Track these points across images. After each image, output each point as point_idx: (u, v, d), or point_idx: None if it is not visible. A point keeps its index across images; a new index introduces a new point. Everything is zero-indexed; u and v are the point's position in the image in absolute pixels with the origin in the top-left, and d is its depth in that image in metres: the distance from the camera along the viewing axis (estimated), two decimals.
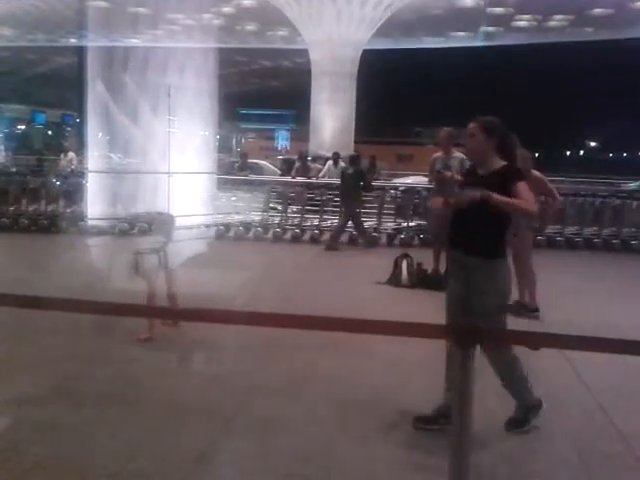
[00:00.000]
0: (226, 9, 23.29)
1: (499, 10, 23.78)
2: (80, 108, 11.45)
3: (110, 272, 6.91)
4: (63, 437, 3.38)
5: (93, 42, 13.96)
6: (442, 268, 7.31)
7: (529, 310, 5.98)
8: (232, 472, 3.18)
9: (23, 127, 38.26)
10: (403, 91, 29.21)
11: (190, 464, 3.15)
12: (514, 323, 4.54)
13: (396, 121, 34.49)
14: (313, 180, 12.15)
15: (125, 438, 3.39)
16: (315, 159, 15.74)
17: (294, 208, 11.11)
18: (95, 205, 10.95)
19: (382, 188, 11.31)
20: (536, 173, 6.27)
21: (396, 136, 32.63)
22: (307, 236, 10.62)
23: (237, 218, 11.06)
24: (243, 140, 40.75)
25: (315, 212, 10.95)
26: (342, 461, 3.24)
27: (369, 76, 23.10)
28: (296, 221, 10.93)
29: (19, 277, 6.29)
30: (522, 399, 3.57)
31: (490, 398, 3.59)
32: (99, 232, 10.43)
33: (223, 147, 24.49)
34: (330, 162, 13.10)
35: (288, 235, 10.60)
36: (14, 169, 11.93)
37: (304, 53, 24.61)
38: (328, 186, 11.07)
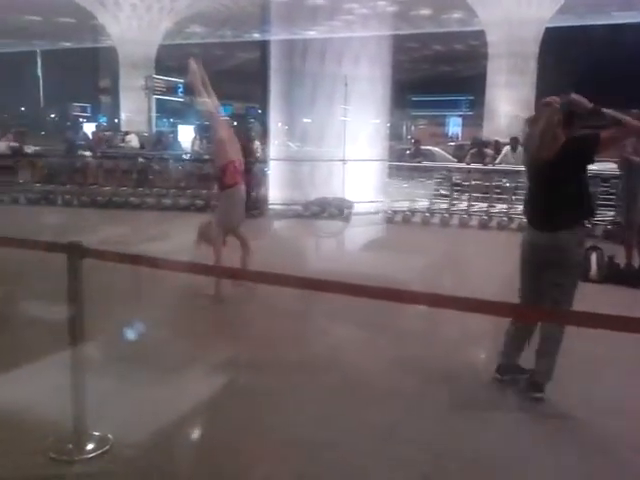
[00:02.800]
0: None
1: None
2: (262, 100, 12.12)
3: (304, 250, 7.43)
4: (257, 403, 3.62)
5: (274, 36, 14.69)
6: (637, 262, 6.76)
7: None
8: (416, 452, 3.20)
9: None
10: (590, 71, 26.97)
11: (376, 441, 3.25)
12: None
13: None
14: (489, 167, 11.75)
15: (314, 408, 3.57)
16: (486, 145, 15.19)
17: (471, 195, 10.95)
18: (276, 190, 11.59)
19: None
20: None
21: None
22: (494, 223, 10.46)
23: (411, 204, 11.08)
24: (413, 127, 40.46)
25: (495, 200, 10.72)
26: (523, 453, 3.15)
27: (553, 56, 21.70)
28: (476, 208, 10.79)
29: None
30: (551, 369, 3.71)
31: None
32: (280, 215, 11.03)
33: (393, 134, 24.53)
34: (507, 148, 12.55)
35: (474, 221, 10.57)
36: (207, 156, 13.00)
37: (479, 35, 23.76)
38: (506, 172, 10.76)
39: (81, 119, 33.16)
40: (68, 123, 30.93)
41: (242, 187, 5.99)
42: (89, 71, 39.16)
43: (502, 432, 3.39)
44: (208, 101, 6.06)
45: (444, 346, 4.62)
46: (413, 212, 10.94)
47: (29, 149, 15.43)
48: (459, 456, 3.12)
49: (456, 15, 26.79)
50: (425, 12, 26.97)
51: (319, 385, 3.88)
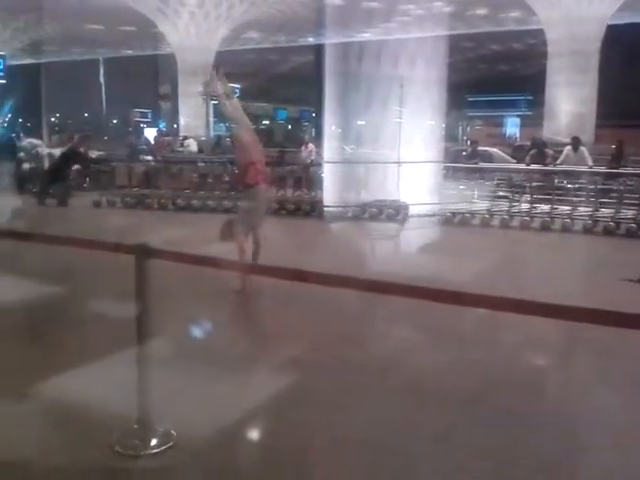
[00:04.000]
0: None
1: None
2: (317, 103, 12.17)
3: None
4: (316, 402, 3.66)
5: (328, 39, 14.75)
6: None
7: None
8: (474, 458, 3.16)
9: (267, 123, 42.62)
10: None
11: (428, 444, 3.22)
12: None
13: None
14: (551, 167, 11.46)
15: (370, 408, 3.57)
16: (546, 145, 14.81)
17: (529, 197, 10.70)
18: (330, 193, 11.61)
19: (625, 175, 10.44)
20: None
21: None
22: (557, 225, 10.13)
23: (467, 206, 10.90)
24: (469, 128, 39.84)
25: (558, 201, 10.43)
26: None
27: (615, 53, 20.96)
28: (538, 209, 10.50)
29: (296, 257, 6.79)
30: None
31: None
32: (335, 218, 11.02)
33: (449, 136, 24.22)
34: (569, 148, 12.21)
35: (537, 223, 10.24)
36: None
37: (537, 34, 23.21)
38: (568, 173, 10.53)
39: (142, 124, 34.19)
40: (129, 128, 31.93)
41: (263, 187, 6.18)
42: (149, 78, 40.34)
43: (576, 444, 3.30)
44: (236, 103, 6.29)
45: (506, 351, 4.54)
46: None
47: (93, 154, 15.99)
48: (522, 464, 3.06)
49: (514, 14, 26.28)
50: (482, 11, 26.56)
51: (379, 385, 3.88)
